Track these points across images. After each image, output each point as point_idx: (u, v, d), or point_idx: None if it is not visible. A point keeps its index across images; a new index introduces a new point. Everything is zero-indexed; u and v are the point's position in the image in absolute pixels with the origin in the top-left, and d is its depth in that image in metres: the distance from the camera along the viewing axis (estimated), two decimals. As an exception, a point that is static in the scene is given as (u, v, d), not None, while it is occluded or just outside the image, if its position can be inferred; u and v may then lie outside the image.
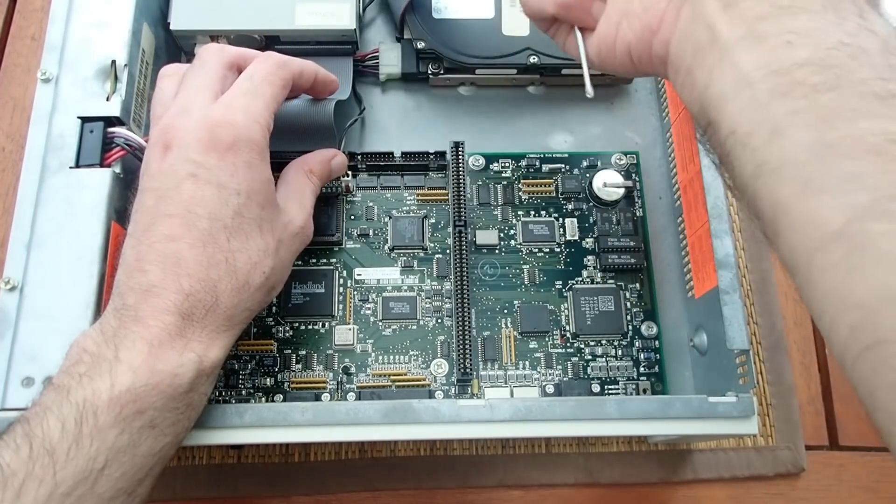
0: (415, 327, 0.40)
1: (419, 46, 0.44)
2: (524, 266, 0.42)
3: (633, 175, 0.44)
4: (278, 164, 0.42)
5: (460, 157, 0.41)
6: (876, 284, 0.21)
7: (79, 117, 0.37)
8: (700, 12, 0.27)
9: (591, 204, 0.43)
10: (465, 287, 0.40)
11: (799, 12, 0.24)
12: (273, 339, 0.40)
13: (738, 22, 0.26)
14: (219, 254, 0.31)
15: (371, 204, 0.43)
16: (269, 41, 0.42)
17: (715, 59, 0.26)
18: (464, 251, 0.41)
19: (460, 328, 0.39)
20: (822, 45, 0.23)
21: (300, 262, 0.41)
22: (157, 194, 0.31)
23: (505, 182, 0.44)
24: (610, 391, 0.40)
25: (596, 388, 0.40)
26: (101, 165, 0.36)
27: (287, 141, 0.41)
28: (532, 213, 0.43)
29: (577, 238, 0.43)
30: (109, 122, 0.37)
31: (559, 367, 0.40)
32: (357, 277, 0.41)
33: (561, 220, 0.43)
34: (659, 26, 0.30)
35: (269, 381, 0.39)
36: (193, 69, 0.35)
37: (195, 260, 0.30)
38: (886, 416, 0.21)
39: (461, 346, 0.39)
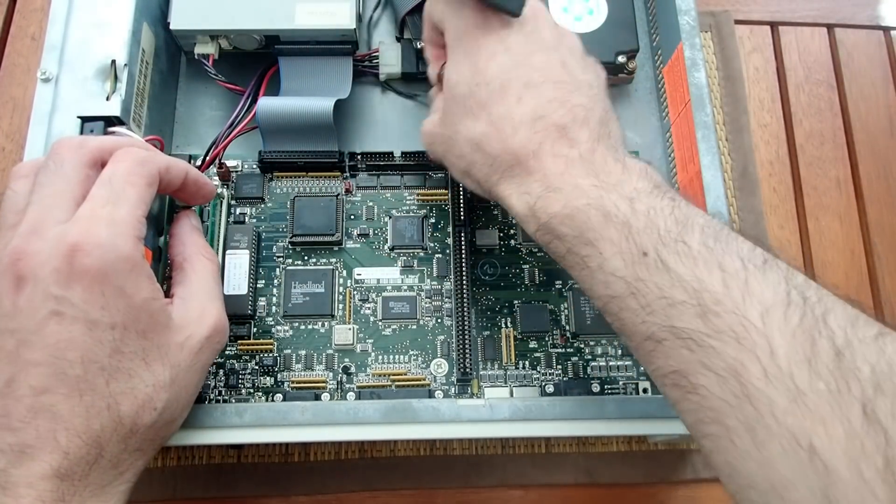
0: (415, 327, 0.40)
1: (419, 46, 0.44)
2: (524, 266, 0.42)
3: (633, 175, 0.44)
4: (279, 164, 0.42)
5: (460, 156, 0.41)
6: None
7: (79, 117, 0.37)
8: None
9: (591, 204, 0.43)
10: (465, 287, 0.40)
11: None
12: (273, 339, 0.40)
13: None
14: (99, 401, 0.27)
15: (371, 204, 0.43)
16: (268, 41, 0.42)
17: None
18: (464, 251, 0.41)
19: (460, 328, 0.39)
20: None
21: (300, 262, 0.41)
22: (16, 338, 0.27)
23: (505, 182, 0.44)
24: (610, 391, 0.40)
25: (596, 387, 0.40)
26: (101, 165, 0.36)
27: (287, 141, 0.41)
28: (532, 212, 0.43)
29: (577, 238, 0.43)
30: (109, 121, 0.37)
31: (559, 366, 0.40)
32: (357, 277, 0.41)
33: (561, 219, 0.43)
34: None
35: (269, 381, 0.39)
36: (48, 171, 0.29)
37: (72, 412, 0.27)
38: None
39: (461, 346, 0.39)
